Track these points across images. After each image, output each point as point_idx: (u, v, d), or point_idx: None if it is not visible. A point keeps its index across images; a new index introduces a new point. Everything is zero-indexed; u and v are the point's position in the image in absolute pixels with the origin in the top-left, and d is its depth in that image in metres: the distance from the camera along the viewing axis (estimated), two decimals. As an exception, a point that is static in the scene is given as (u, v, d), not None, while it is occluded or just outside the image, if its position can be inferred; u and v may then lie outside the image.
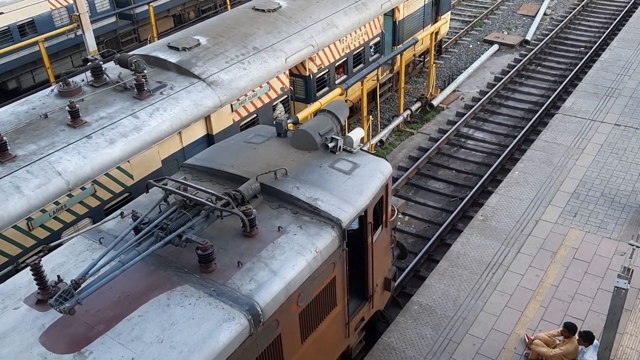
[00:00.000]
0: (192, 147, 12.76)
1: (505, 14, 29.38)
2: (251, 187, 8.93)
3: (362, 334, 11.03)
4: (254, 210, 8.52)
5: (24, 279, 8.05)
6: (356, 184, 9.65)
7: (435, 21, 22.24)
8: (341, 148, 10.27)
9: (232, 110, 13.56)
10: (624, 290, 8.59)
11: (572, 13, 28.10)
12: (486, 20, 28.61)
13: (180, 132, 12.43)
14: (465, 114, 20.60)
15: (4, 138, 10.46)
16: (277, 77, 14.72)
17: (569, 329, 10.14)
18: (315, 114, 11.63)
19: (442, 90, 22.19)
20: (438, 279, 12.60)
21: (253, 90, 14.00)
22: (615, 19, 27.26)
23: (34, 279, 7.51)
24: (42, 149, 10.77)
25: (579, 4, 29.26)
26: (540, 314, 11.62)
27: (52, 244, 8.89)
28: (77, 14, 18.36)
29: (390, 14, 19.46)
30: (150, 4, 24.35)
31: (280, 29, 15.54)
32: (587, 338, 9.90)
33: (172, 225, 8.09)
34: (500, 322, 11.52)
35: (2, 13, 20.41)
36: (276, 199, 9.28)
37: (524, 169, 15.94)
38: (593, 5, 29.50)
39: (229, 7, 27.59)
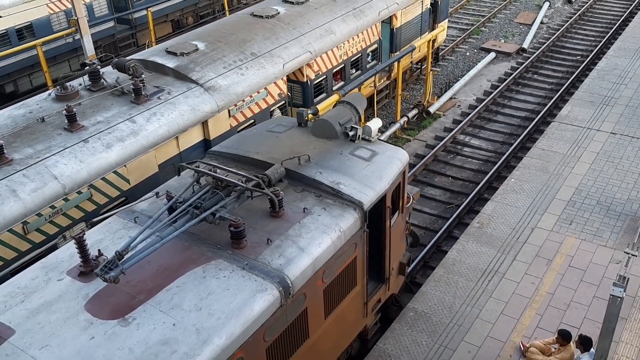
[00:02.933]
0: (189, 152, 12.77)
1: (502, 22, 29.50)
2: (277, 171, 9.38)
3: (378, 316, 11.46)
4: (281, 191, 8.96)
5: (65, 254, 8.51)
6: (375, 170, 10.09)
7: (433, 29, 22.29)
8: (360, 137, 10.74)
9: (230, 116, 13.56)
10: (619, 299, 8.58)
11: (569, 22, 28.21)
12: (483, 28, 28.72)
13: (177, 137, 12.43)
14: (462, 121, 20.63)
15: (1, 141, 10.45)
16: (275, 83, 14.75)
17: (564, 337, 10.14)
18: (334, 106, 11.98)
19: (439, 97, 22.24)
20: (434, 286, 12.59)
21: (250, 96, 14.02)
22: (612, 28, 27.40)
23: (78, 252, 7.96)
24: (38, 153, 10.76)
25: (576, 13, 29.40)
26: (535, 322, 11.62)
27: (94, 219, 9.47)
28: (76, 18, 18.35)
29: (388, 21, 19.52)
30: (149, 9, 24.38)
31: (278, 35, 15.57)
32: (584, 343, 9.88)
33: (207, 204, 8.61)
34: (495, 329, 11.52)
35: (1, 17, 20.41)
36: (300, 183, 9.74)
37: (520, 177, 15.96)
38: (590, 14, 29.66)
39: (227, 12, 27.64)
